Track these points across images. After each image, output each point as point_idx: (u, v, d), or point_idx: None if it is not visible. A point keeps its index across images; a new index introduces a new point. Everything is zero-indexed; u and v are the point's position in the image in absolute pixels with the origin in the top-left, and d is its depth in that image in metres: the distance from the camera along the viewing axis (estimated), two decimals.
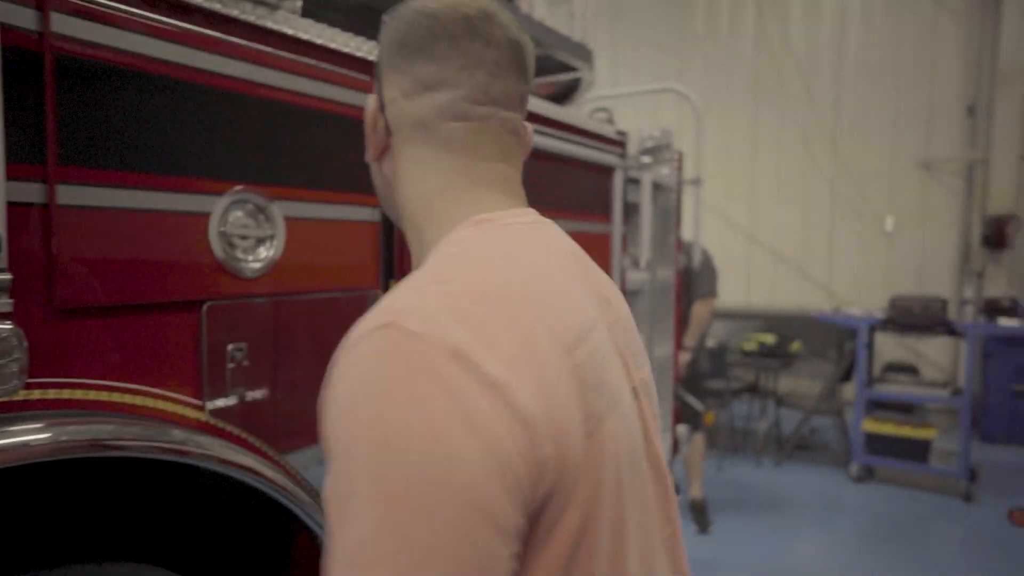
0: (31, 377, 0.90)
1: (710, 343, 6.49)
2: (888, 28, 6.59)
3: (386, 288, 1.63)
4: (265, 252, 1.23)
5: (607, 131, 2.62)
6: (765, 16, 7.00)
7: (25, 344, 0.89)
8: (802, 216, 6.91)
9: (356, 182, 1.47)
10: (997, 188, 6.11)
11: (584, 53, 2.58)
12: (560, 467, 0.56)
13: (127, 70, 1.01)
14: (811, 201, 6.89)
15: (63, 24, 0.94)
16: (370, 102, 0.78)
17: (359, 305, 1.55)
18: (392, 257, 1.64)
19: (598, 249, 2.67)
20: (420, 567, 0.50)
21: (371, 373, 0.55)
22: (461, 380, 0.54)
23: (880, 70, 6.62)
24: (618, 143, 2.72)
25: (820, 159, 6.84)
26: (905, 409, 5.32)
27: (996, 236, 5.98)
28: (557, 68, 2.71)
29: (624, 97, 4.09)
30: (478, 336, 0.56)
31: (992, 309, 4.69)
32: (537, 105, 2.21)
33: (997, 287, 6.11)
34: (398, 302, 0.59)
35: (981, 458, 5.02)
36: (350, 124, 1.39)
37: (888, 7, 6.57)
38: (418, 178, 0.75)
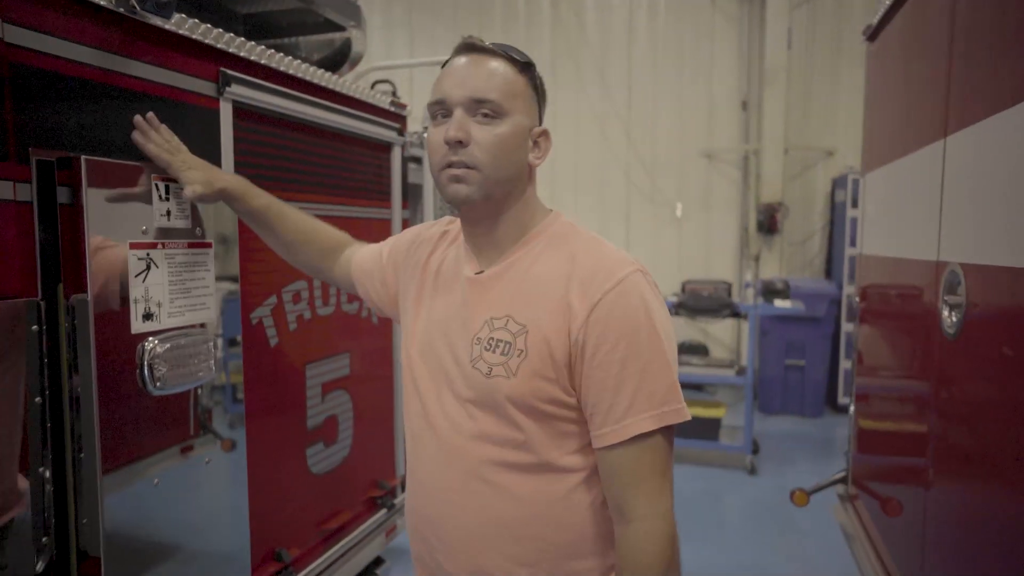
0: None
1: None
2: (672, 24, 6.86)
3: (51, 297, 1.15)
4: None
5: (381, 102, 2.25)
6: (560, 6, 7.00)
7: None
8: (600, 203, 7.04)
9: None
10: (767, 178, 6.60)
11: (350, 9, 2.19)
12: None
13: None
14: (608, 188, 7.04)
15: None
16: (526, 119, 1.11)
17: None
18: (56, 253, 1.16)
19: (376, 237, 2.30)
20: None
21: (647, 290, 1.06)
22: (658, 292, 1.11)
23: (666, 63, 6.89)
24: (396, 116, 2.36)
25: (616, 147, 7.00)
26: (696, 388, 5.55)
27: (768, 222, 6.47)
28: (320, 27, 2.30)
29: (407, 70, 3.73)
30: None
31: (768, 291, 5.00)
32: (296, 68, 1.78)
33: (770, 269, 6.63)
34: (623, 256, 1.10)
35: (760, 430, 5.37)
36: None
37: (670, 4, 6.85)
38: (534, 178, 1.19)
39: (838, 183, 6.33)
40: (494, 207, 1.11)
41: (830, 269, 6.55)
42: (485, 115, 1.05)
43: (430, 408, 1.16)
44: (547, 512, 1.08)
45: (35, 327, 1.12)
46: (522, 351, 1.05)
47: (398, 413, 2.41)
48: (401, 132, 2.39)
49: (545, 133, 1.14)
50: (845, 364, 5.87)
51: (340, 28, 2.27)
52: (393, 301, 1.35)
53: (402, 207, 2.40)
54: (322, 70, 1.90)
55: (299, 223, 1.44)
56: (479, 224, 1.14)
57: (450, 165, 1.06)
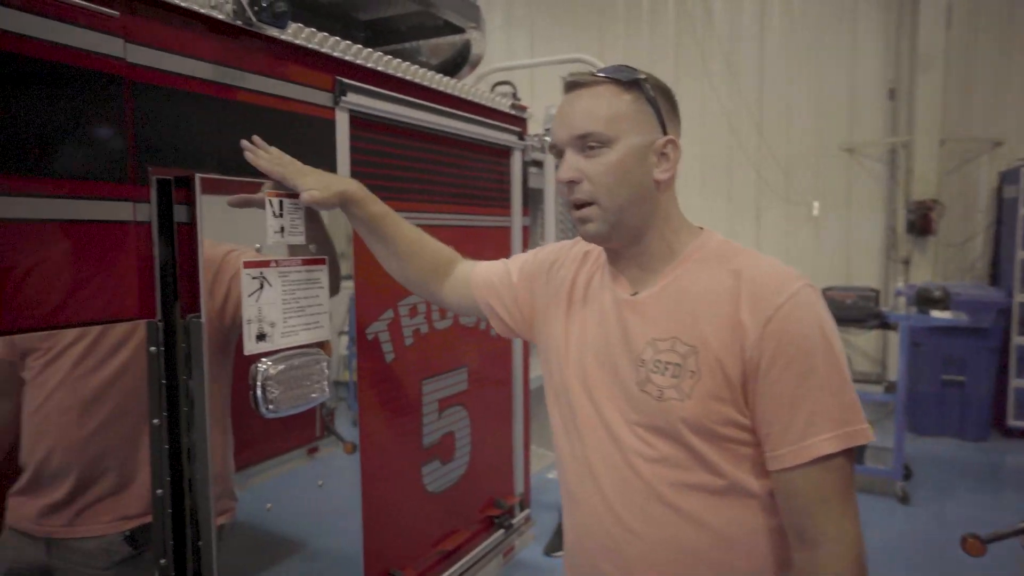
0: None
1: None
2: (809, 7, 6.38)
3: (168, 317, 1.14)
4: None
5: (501, 105, 2.16)
6: None
7: None
8: (728, 202, 6.67)
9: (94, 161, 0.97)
10: (920, 173, 5.98)
11: (470, 10, 2.11)
12: None
13: None
14: (737, 186, 6.65)
15: None
16: (640, 137, 1.09)
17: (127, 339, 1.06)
18: (174, 273, 1.14)
19: (495, 245, 2.22)
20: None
21: (819, 305, 1.03)
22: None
23: (802, 53, 6.41)
24: (516, 119, 2.27)
25: (745, 143, 6.60)
26: None
27: (920, 222, 5.85)
28: (440, 30, 2.24)
29: (528, 72, 3.64)
30: None
31: (924, 299, 4.48)
32: (413, 74, 1.72)
33: (923, 274, 6.00)
34: (791, 270, 1.05)
35: (913, 453, 4.85)
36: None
37: None
38: (675, 196, 1.16)
39: (1007, 177, 5.62)
40: (629, 233, 1.11)
41: (996, 274, 5.83)
42: (591, 147, 1.07)
43: (593, 433, 1.14)
44: (731, 537, 1.05)
45: (153, 348, 1.11)
46: (694, 372, 1.03)
47: (517, 428, 2.31)
48: (521, 136, 2.29)
49: (671, 143, 1.10)
50: (1017, 382, 5.19)
51: (460, 30, 2.20)
52: (527, 322, 1.33)
53: (522, 213, 2.30)
54: (439, 75, 1.83)
55: (412, 235, 1.40)
56: (623, 251, 1.14)
57: (575, 205, 1.10)
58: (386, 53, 1.71)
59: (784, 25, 6.46)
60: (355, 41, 1.57)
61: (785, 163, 6.50)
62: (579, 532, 1.18)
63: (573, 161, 1.08)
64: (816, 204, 6.42)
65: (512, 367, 2.29)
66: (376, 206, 1.35)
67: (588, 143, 1.07)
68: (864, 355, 6.23)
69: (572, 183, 1.08)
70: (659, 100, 1.10)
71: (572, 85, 1.11)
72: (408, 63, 1.70)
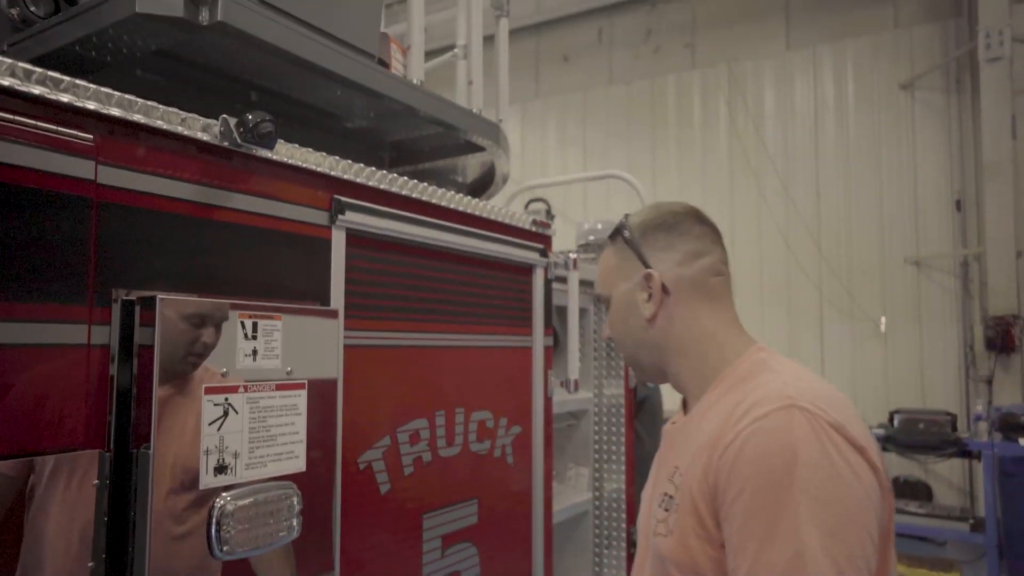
0: None
1: None
2: (864, 124, 6.32)
3: (119, 446, 1.06)
4: None
5: (520, 221, 2.11)
6: (737, 113, 6.76)
7: None
8: (788, 317, 6.40)
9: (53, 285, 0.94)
10: (995, 286, 5.62)
11: (489, 129, 2.12)
12: (882, 505, 0.89)
13: None
14: (797, 301, 6.40)
15: None
16: (628, 283, 1.15)
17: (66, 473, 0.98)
18: (129, 400, 1.07)
19: (515, 366, 2.11)
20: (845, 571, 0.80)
21: (800, 431, 0.86)
22: (841, 444, 0.86)
23: (859, 165, 6.30)
24: (538, 236, 2.22)
25: (803, 258, 6.40)
26: (920, 538, 4.59)
27: (1001, 338, 5.44)
28: (461, 148, 2.25)
29: (584, 190, 3.66)
30: (841, 417, 0.89)
31: (1008, 425, 4.06)
32: (413, 189, 1.71)
33: (1008, 395, 5.50)
34: (784, 390, 0.92)
35: None
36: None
37: (861, 102, 6.34)
38: (699, 320, 1.10)
39: None
40: (653, 372, 1.17)
41: None
42: (606, 309, 1.21)
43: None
44: None
45: (95, 482, 1.03)
46: (678, 506, 0.99)
47: (537, 567, 2.10)
48: (544, 253, 2.22)
49: (646, 276, 1.12)
50: None
51: (480, 149, 2.20)
52: None
53: (544, 333, 2.20)
54: (448, 191, 1.80)
55: None
56: (669, 382, 1.18)
57: None
58: (413, 176, 1.70)
59: (838, 141, 6.41)
60: (382, 161, 1.56)
61: (847, 278, 6.25)
62: None
63: (606, 320, 1.22)
64: (883, 319, 6.09)
65: (532, 499, 2.11)
66: None
67: (603, 304, 1.21)
68: (947, 483, 5.66)
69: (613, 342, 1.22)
70: (639, 237, 1.14)
71: (596, 251, 1.25)
72: (413, 181, 1.68)
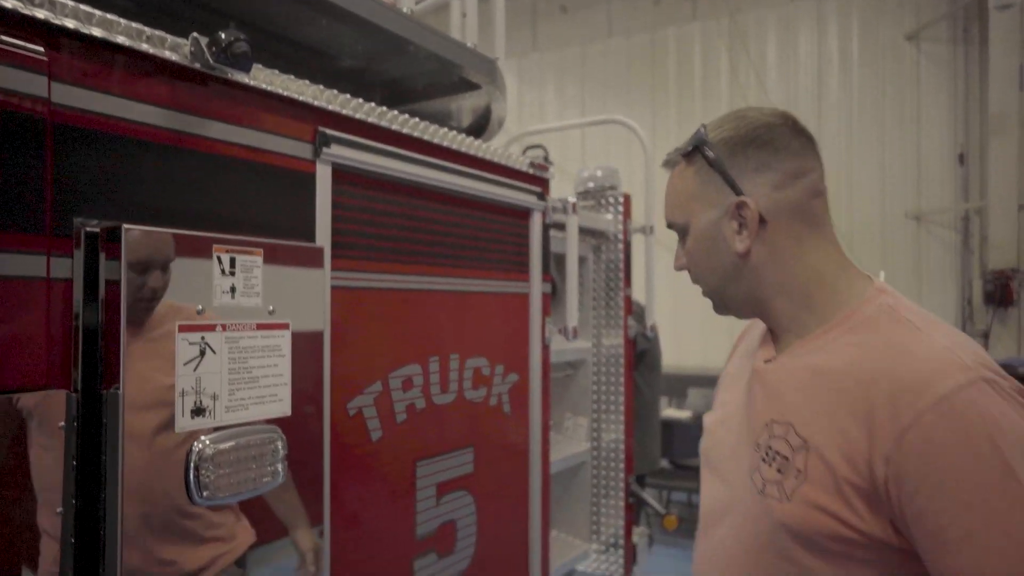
0: None
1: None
2: (867, 76, 6.17)
3: (88, 387, 0.99)
4: None
5: (516, 162, 2.02)
6: (739, 65, 6.59)
7: None
8: None
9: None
10: (996, 240, 5.56)
11: (485, 66, 2.01)
12: None
13: None
14: None
15: None
16: (712, 210, 0.97)
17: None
18: (96, 338, 1.00)
19: (512, 313, 2.04)
20: None
21: (995, 410, 0.76)
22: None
23: (862, 118, 6.17)
24: (536, 178, 2.13)
25: None
26: None
27: (1000, 292, 5.40)
28: (455, 86, 2.14)
29: (583, 136, 3.55)
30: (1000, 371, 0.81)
31: None
32: (403, 124, 1.61)
33: (1005, 348, 5.50)
34: (949, 356, 0.80)
35: None
36: None
37: (865, 55, 6.17)
38: (804, 254, 0.96)
39: None
40: (747, 307, 1.02)
41: None
42: (681, 236, 1.05)
43: (710, 522, 1.03)
44: None
45: (61, 423, 0.96)
46: (799, 472, 0.86)
47: (534, 515, 2.07)
48: (542, 196, 2.14)
49: (742, 204, 0.95)
50: None
51: (476, 87, 2.09)
52: None
53: (542, 279, 2.13)
54: (441, 127, 1.70)
55: None
56: (760, 318, 1.05)
57: None
58: (412, 116, 1.61)
59: (842, 93, 6.26)
60: (375, 100, 1.47)
61: (847, 232, 6.16)
62: None
63: (678, 249, 1.06)
64: (882, 274, 6.02)
65: (530, 446, 2.06)
66: None
67: (677, 231, 1.05)
68: None
69: (686, 270, 1.06)
70: (726, 157, 0.96)
71: (664, 166, 1.08)
72: (400, 115, 1.58)
